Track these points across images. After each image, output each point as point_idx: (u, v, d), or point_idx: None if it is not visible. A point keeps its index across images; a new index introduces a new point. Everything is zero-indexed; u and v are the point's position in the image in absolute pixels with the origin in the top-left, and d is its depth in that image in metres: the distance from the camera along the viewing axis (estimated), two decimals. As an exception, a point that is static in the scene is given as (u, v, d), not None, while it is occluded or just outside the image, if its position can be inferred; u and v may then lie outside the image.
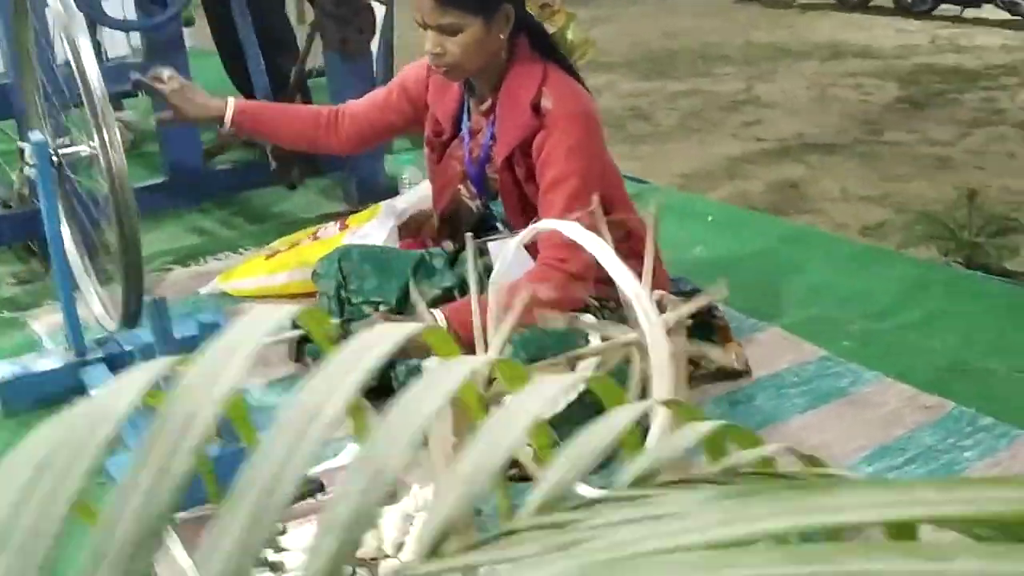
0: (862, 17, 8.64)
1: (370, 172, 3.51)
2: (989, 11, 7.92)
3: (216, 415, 0.39)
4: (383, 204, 2.90)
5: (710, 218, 3.27)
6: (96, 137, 2.01)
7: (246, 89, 4.12)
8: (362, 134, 2.41)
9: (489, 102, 2.19)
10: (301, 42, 3.69)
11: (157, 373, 0.45)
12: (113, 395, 0.43)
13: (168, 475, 0.36)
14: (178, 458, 0.37)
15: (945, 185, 4.61)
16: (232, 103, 2.36)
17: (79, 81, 2.00)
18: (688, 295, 2.36)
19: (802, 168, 5.07)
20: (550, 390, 0.41)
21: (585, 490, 1.47)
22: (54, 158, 2.27)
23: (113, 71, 2.99)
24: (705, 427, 0.43)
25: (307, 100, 3.73)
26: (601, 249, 1.44)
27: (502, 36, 2.09)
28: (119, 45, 4.51)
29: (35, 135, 2.28)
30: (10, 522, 0.37)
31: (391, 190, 3.48)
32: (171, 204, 3.24)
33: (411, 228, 2.79)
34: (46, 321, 2.82)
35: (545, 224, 1.48)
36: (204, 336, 1.96)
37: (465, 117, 2.26)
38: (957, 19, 8.10)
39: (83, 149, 2.30)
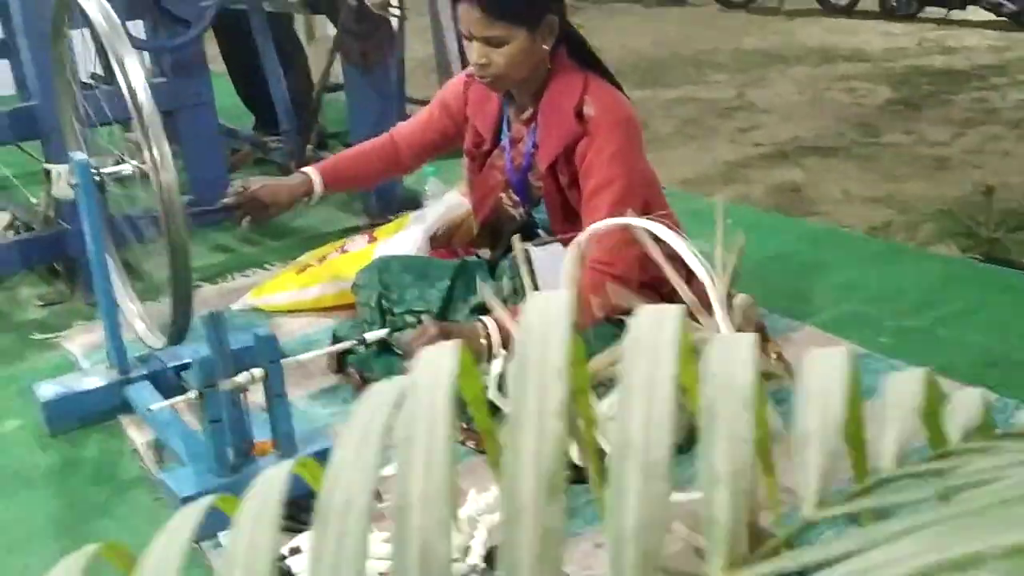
0: (848, 22, 8.72)
1: (389, 185, 3.53)
2: (974, 12, 8.01)
3: (564, 383, 0.41)
4: (411, 215, 2.93)
5: (729, 221, 3.30)
6: (147, 154, 2.03)
7: (258, 108, 4.15)
8: (419, 154, 2.50)
9: (530, 111, 2.22)
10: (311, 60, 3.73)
11: (452, 367, 0.47)
12: (432, 370, 0.45)
13: (545, 436, 0.38)
14: (549, 420, 0.39)
15: (945, 184, 4.66)
16: (315, 175, 2.41)
17: (128, 98, 2.02)
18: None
19: (802, 171, 5.11)
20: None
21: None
22: (96, 177, 2.29)
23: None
24: (976, 393, 0.46)
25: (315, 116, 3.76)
26: (684, 247, 1.47)
27: (546, 47, 2.12)
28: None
29: (77, 154, 2.30)
30: (407, 486, 0.39)
31: (410, 202, 3.51)
32: (196, 223, 3.25)
33: (442, 238, 2.81)
34: (80, 341, 2.83)
35: (635, 221, 1.50)
36: (260, 347, 1.98)
37: (505, 127, 2.29)
38: (942, 21, 8.19)
39: (125, 168, 2.31)
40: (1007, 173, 4.74)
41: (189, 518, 0.46)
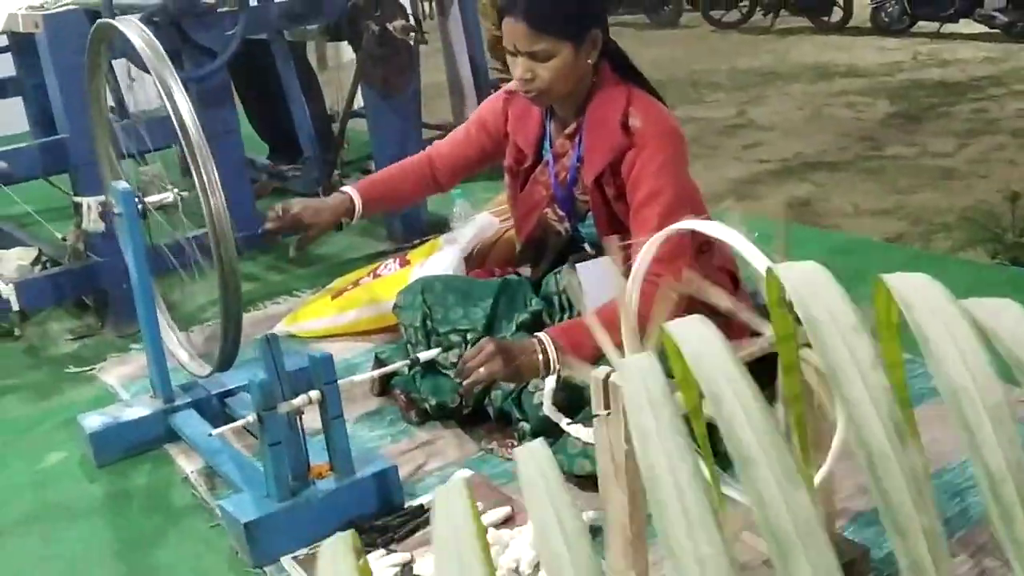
0: (841, 39, 8.79)
1: (414, 209, 3.54)
2: (966, 25, 8.08)
3: (865, 336, 0.42)
4: (443, 238, 2.93)
5: (756, 234, 3.31)
6: (195, 179, 2.03)
7: (274, 139, 4.16)
8: (455, 172, 2.49)
9: (574, 125, 2.22)
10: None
11: (713, 332, 0.47)
12: (698, 338, 0.45)
13: (874, 387, 0.39)
14: (870, 374, 0.39)
15: (953, 194, 4.69)
16: (356, 196, 2.40)
17: (176, 124, 2.02)
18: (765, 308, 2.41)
19: (809, 186, 5.13)
20: None
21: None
22: (139, 206, 2.29)
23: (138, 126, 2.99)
24: None
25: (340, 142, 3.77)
26: (747, 244, 1.47)
27: (590, 61, 2.13)
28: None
29: (121, 184, 2.30)
30: (739, 436, 0.39)
31: (435, 226, 3.52)
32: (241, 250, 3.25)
33: (476, 259, 2.82)
34: (116, 373, 2.82)
35: (693, 224, 1.50)
36: (316, 369, 1.98)
37: (547, 143, 2.30)
38: (935, 35, 8.26)
39: (167, 196, 2.32)
40: (1014, 182, 4.76)
41: (456, 491, 0.46)
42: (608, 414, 1.45)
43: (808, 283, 0.47)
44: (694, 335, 0.47)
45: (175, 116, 2.02)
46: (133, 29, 2.11)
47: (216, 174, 2.04)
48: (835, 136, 5.91)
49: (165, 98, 2.04)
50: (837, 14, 9.22)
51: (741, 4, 10.03)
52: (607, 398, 1.44)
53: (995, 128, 5.71)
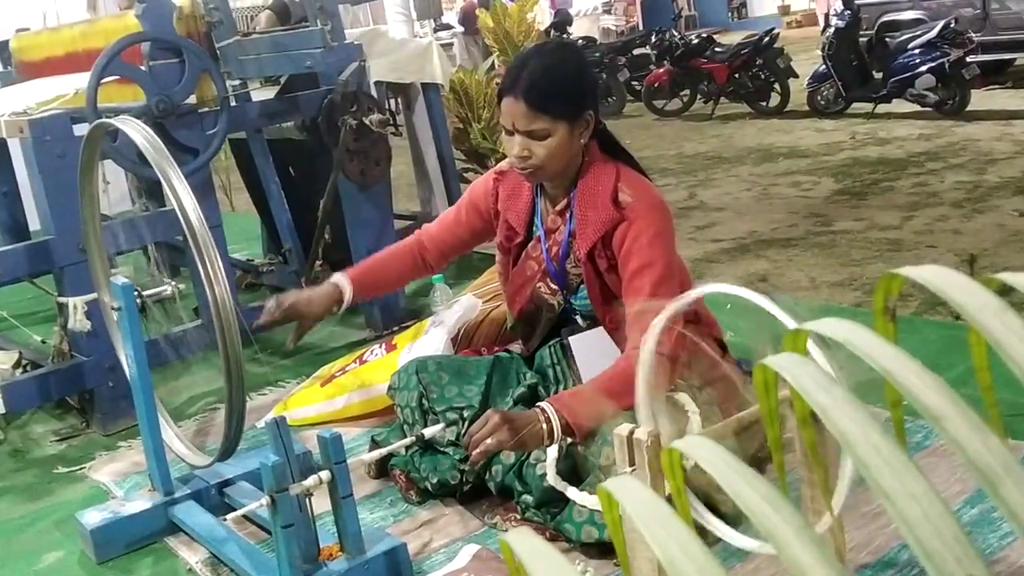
0: (781, 122, 9.08)
1: (392, 298, 3.60)
2: (899, 105, 8.39)
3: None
4: (428, 320, 2.99)
5: (728, 306, 3.41)
6: (201, 270, 2.07)
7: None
8: (444, 253, 2.55)
9: (564, 201, 2.31)
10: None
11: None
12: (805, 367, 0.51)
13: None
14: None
15: (904, 264, 4.80)
16: (346, 285, 2.44)
17: (179, 216, 2.07)
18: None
19: (765, 262, 5.26)
20: None
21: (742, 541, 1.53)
22: (138, 299, 2.32)
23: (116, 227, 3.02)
24: None
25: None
26: (770, 304, 1.55)
27: (582, 140, 2.23)
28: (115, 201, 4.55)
29: (119, 278, 2.33)
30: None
31: (412, 313, 3.58)
32: (209, 346, 3.27)
33: (463, 341, 2.88)
34: (107, 470, 2.82)
35: (711, 288, 1.58)
36: (325, 449, 2.01)
37: (538, 220, 2.38)
38: (870, 115, 8.57)
39: (165, 289, 2.36)
40: (961, 250, 4.94)
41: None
42: (633, 471, 1.50)
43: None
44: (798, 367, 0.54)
45: (179, 208, 2.07)
46: (134, 128, 2.17)
47: (220, 264, 2.08)
48: (784, 214, 6.08)
49: (168, 191, 2.09)
50: (775, 99, 9.53)
51: (682, 93, 10.31)
52: (631, 454, 1.50)
53: (937, 200, 5.92)
